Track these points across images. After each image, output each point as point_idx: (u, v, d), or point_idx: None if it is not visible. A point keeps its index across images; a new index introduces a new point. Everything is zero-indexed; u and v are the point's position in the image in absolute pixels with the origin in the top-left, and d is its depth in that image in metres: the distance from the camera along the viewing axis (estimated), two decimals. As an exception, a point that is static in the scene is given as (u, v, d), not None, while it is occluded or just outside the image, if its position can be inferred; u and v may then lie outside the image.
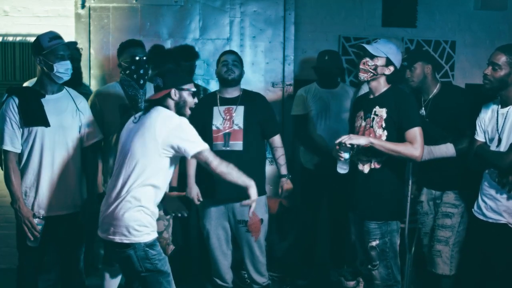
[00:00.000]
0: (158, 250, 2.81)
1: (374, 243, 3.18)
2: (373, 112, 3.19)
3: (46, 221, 3.07)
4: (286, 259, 4.55)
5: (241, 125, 3.63)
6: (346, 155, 3.09)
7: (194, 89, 2.96)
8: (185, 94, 2.92)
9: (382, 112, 3.15)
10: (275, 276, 4.45)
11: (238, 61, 3.72)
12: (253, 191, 2.86)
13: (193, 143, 2.77)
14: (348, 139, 3.03)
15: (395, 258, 3.22)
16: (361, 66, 3.18)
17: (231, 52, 3.85)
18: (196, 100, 2.98)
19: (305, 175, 4.38)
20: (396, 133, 3.12)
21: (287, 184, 3.77)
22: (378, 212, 3.16)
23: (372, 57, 3.15)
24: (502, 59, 3.08)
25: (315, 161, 4.25)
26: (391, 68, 3.16)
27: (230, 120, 3.63)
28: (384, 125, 3.13)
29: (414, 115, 3.11)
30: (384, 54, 3.14)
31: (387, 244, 3.17)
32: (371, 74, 3.16)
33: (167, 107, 2.90)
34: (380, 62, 3.15)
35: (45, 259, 3.16)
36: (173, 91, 2.89)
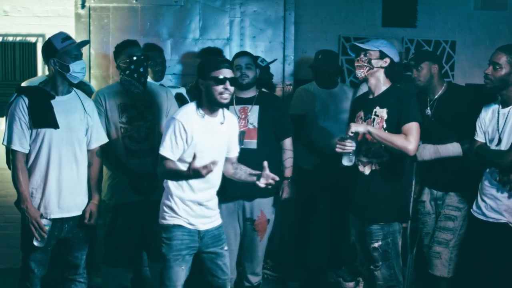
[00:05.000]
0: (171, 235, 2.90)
1: (376, 244, 3.17)
2: (373, 113, 3.18)
3: (52, 222, 3.07)
4: (280, 260, 4.53)
5: (256, 124, 3.65)
6: (353, 145, 3.04)
7: (220, 77, 2.79)
8: (211, 82, 2.82)
9: (383, 112, 3.14)
10: (274, 276, 4.45)
11: (252, 63, 3.70)
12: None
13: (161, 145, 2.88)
14: (349, 127, 3.03)
15: (397, 259, 3.22)
16: (356, 64, 3.21)
17: (243, 54, 3.79)
18: (228, 85, 2.81)
19: (303, 175, 4.35)
20: (397, 133, 3.09)
21: (287, 187, 3.75)
22: (380, 214, 3.15)
23: (365, 52, 3.16)
24: (503, 58, 3.10)
25: (313, 162, 4.23)
26: (387, 60, 3.16)
27: (245, 119, 3.64)
28: (385, 125, 3.12)
29: (414, 111, 3.08)
30: (376, 47, 3.16)
31: (390, 245, 3.17)
32: (367, 68, 3.15)
33: (200, 99, 2.89)
34: (374, 55, 3.16)
35: (49, 260, 3.15)
36: (200, 81, 2.87)
